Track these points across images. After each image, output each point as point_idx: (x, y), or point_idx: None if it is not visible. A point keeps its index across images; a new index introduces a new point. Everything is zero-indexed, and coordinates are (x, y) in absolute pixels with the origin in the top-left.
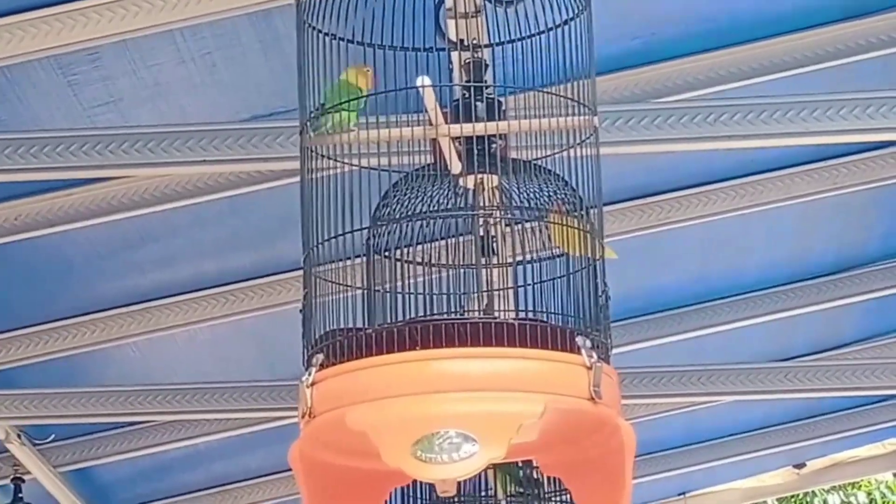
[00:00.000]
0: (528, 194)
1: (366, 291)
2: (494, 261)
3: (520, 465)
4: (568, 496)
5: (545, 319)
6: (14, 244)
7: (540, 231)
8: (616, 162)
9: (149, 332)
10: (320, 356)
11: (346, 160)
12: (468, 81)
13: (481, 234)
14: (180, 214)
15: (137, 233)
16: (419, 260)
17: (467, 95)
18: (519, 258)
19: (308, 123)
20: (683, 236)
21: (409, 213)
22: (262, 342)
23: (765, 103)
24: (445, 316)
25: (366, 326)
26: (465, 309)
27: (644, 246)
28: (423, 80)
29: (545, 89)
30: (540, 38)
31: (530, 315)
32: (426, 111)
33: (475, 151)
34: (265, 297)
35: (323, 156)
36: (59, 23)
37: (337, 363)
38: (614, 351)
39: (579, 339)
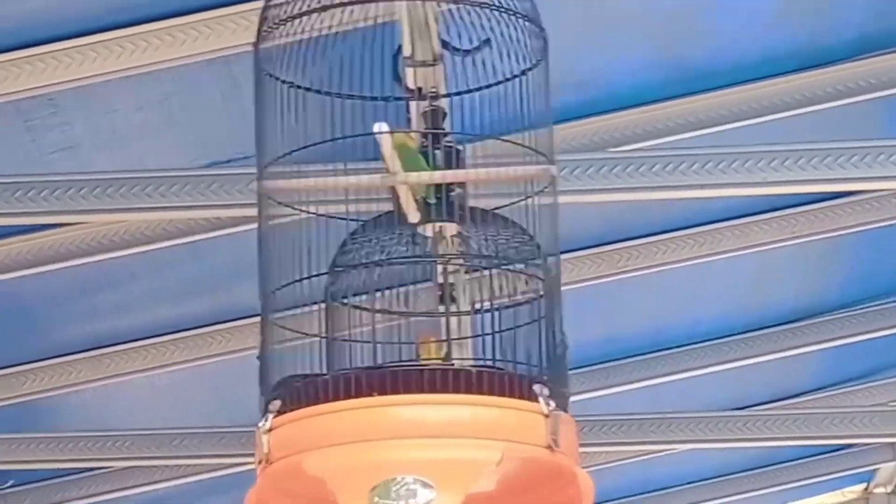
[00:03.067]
0: (486, 242)
1: (324, 339)
2: (453, 308)
3: None
4: None
5: (503, 367)
6: None
7: (499, 279)
8: (573, 210)
9: (106, 378)
10: (277, 402)
11: (303, 208)
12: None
13: (440, 281)
14: (138, 260)
15: (95, 278)
16: (378, 307)
17: (426, 143)
18: (478, 306)
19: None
20: (640, 284)
21: (368, 260)
22: (220, 388)
23: (722, 153)
24: (403, 363)
25: (323, 373)
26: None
27: (601, 294)
28: (381, 127)
29: (503, 138)
30: (498, 88)
31: (488, 363)
32: (383, 159)
33: (435, 200)
34: (223, 343)
35: (280, 203)
36: (17, 68)
37: (294, 409)
38: (571, 399)
39: (537, 387)
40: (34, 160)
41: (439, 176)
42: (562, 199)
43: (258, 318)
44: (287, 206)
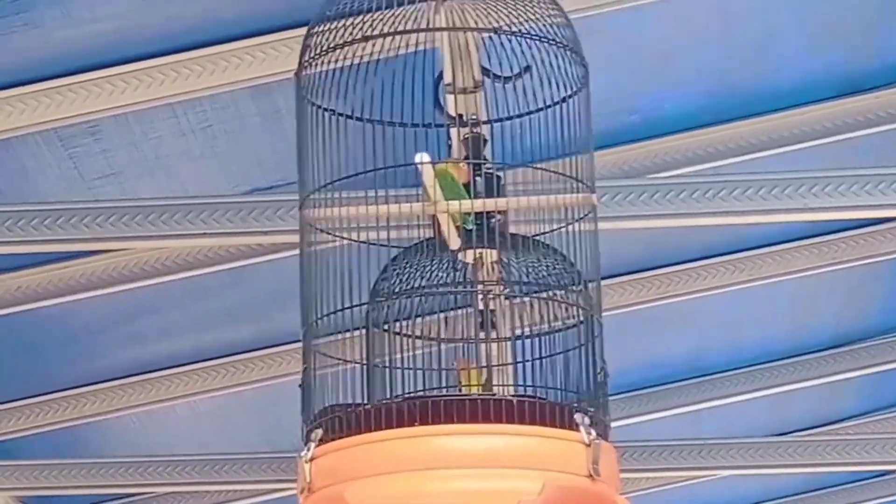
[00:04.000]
0: (527, 269)
1: (365, 366)
2: (494, 335)
3: None
4: None
5: (544, 396)
6: (15, 315)
7: (539, 306)
8: (615, 236)
9: (149, 404)
10: (319, 431)
11: (345, 235)
12: (467, 157)
13: (481, 308)
14: (180, 286)
15: (137, 304)
16: (419, 334)
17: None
18: (518, 333)
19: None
20: (682, 310)
21: (409, 287)
22: (262, 414)
23: (763, 179)
24: (444, 391)
25: (364, 402)
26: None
27: (642, 320)
28: (422, 157)
29: (544, 166)
30: (539, 115)
31: (529, 391)
32: (424, 187)
33: (475, 226)
34: (265, 368)
35: (322, 230)
36: (60, 96)
37: (336, 439)
38: (612, 424)
39: (578, 416)
40: (77, 187)
41: (479, 204)
42: (603, 225)
43: (300, 344)
44: (329, 233)
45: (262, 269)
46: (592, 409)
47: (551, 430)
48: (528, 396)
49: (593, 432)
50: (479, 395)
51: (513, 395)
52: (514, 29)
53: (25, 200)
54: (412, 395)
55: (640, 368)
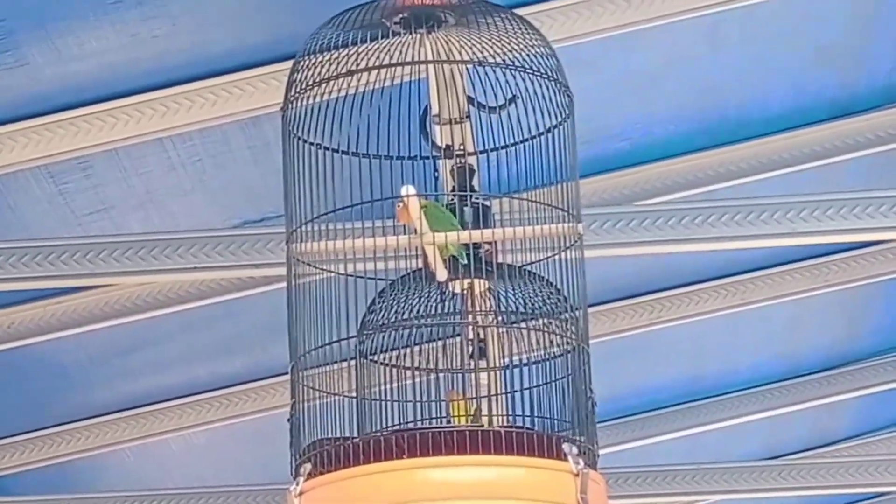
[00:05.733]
0: (515, 298)
1: (355, 398)
2: (483, 365)
3: None
4: None
5: (532, 426)
6: (7, 352)
7: (528, 335)
8: (607, 262)
9: (143, 437)
10: (308, 465)
11: (331, 268)
12: (454, 188)
13: (470, 337)
14: (172, 320)
15: (130, 339)
16: (408, 364)
17: (453, 200)
18: (507, 363)
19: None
20: (675, 335)
21: (398, 318)
22: (256, 445)
23: (753, 204)
24: (433, 422)
25: (353, 435)
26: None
27: (636, 345)
28: (408, 190)
29: (530, 196)
30: (525, 144)
31: (518, 420)
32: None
33: (464, 260)
34: (259, 400)
35: (308, 264)
36: (50, 132)
37: (324, 472)
38: (607, 450)
39: (566, 446)
40: (68, 222)
41: (466, 236)
42: (595, 252)
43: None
44: (317, 266)
45: (253, 302)
46: (581, 439)
47: (539, 460)
48: (516, 427)
49: (581, 462)
50: (467, 426)
51: (500, 426)
52: (498, 60)
53: (16, 237)
54: (400, 427)
55: (635, 393)
